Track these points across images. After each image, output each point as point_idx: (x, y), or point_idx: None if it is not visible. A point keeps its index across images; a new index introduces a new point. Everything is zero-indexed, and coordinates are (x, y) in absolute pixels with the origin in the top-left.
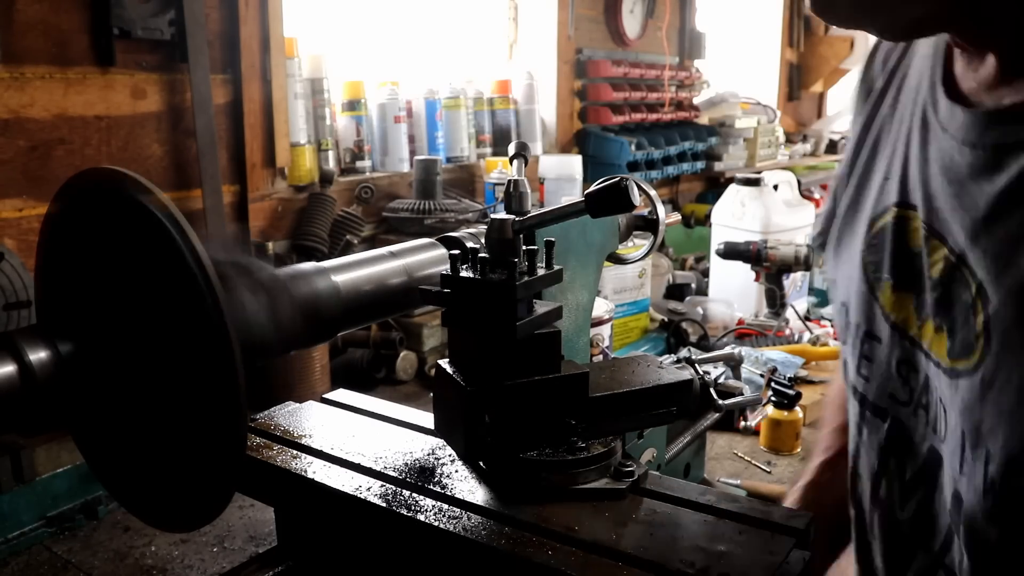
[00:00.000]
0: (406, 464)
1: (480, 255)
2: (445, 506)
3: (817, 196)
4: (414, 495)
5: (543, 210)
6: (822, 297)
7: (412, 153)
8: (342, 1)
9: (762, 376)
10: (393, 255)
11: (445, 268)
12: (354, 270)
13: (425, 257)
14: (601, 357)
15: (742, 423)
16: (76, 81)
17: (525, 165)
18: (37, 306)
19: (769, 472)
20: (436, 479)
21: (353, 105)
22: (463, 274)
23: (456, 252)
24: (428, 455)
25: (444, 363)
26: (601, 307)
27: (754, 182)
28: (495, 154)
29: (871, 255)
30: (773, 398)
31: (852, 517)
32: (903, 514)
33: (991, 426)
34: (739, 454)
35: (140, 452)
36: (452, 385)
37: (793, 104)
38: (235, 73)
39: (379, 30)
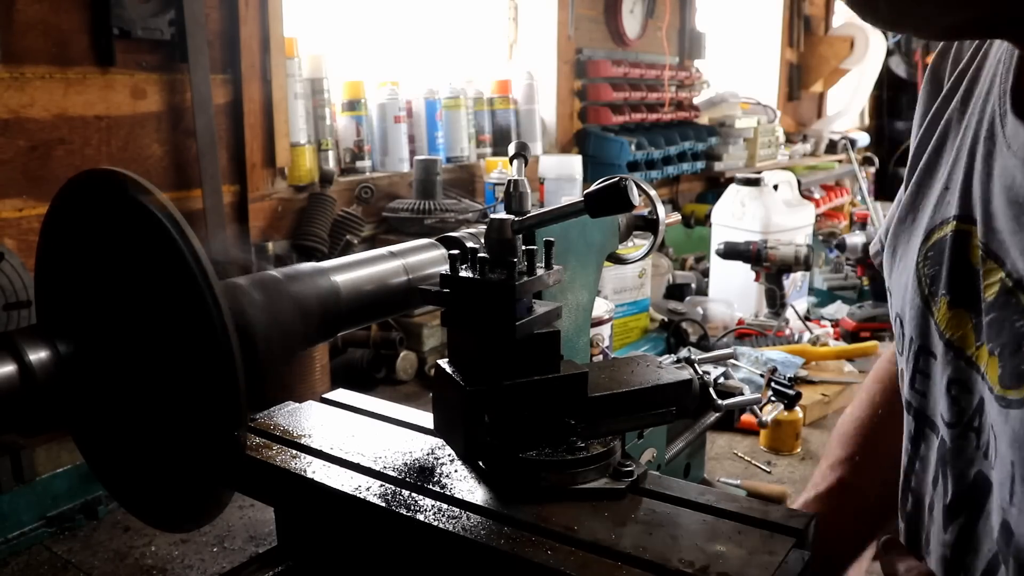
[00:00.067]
0: (405, 464)
1: (479, 255)
2: (444, 506)
3: (817, 196)
4: (413, 495)
5: (542, 210)
6: (822, 297)
7: (412, 153)
8: (342, 1)
9: (762, 376)
10: (393, 255)
11: (445, 268)
12: (354, 270)
13: (425, 257)
14: (601, 357)
15: (755, 418)
16: (76, 81)
17: (525, 165)
18: (37, 306)
19: (769, 472)
20: (435, 479)
21: (353, 105)
22: (462, 274)
23: (455, 252)
24: (427, 455)
25: (443, 363)
26: (601, 307)
27: (754, 182)
28: (495, 154)
29: (928, 268)
30: (773, 398)
31: (901, 531)
32: (946, 536)
33: None
34: (739, 454)
35: (140, 452)
36: (451, 385)
37: (793, 104)
38: (235, 73)
39: (379, 30)
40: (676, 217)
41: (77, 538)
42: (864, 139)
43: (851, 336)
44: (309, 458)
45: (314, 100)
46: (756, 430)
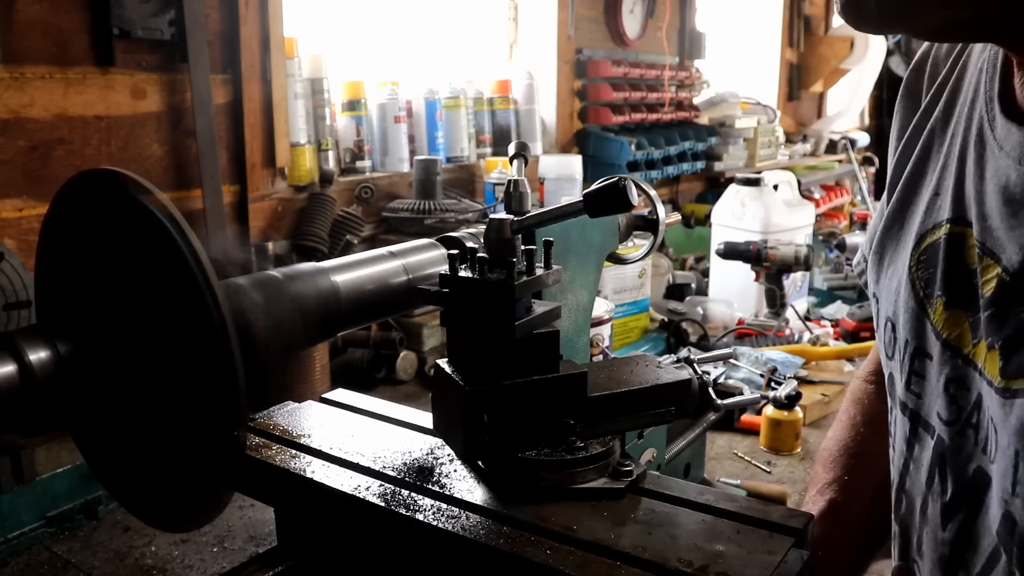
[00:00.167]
0: (405, 464)
1: (479, 255)
2: (444, 505)
3: (817, 196)
4: (413, 495)
5: (542, 210)
6: (822, 297)
7: (412, 153)
8: (342, 1)
9: (762, 376)
10: (393, 255)
11: (444, 268)
12: (354, 270)
13: (425, 257)
14: (601, 357)
15: (771, 393)
16: (76, 81)
17: (525, 165)
18: (37, 306)
19: (769, 472)
20: (435, 479)
21: (353, 105)
22: (462, 274)
23: (455, 252)
24: (427, 455)
25: (443, 363)
26: (601, 307)
27: (754, 182)
28: (495, 154)
29: (921, 271)
30: (773, 386)
31: (896, 534)
32: (945, 535)
33: None
34: (739, 454)
35: (140, 452)
36: (451, 385)
37: (793, 104)
38: (235, 73)
39: (379, 30)
40: (676, 217)
41: (77, 538)
42: (864, 139)
43: (851, 336)
44: (309, 458)
45: (314, 100)
46: (756, 430)
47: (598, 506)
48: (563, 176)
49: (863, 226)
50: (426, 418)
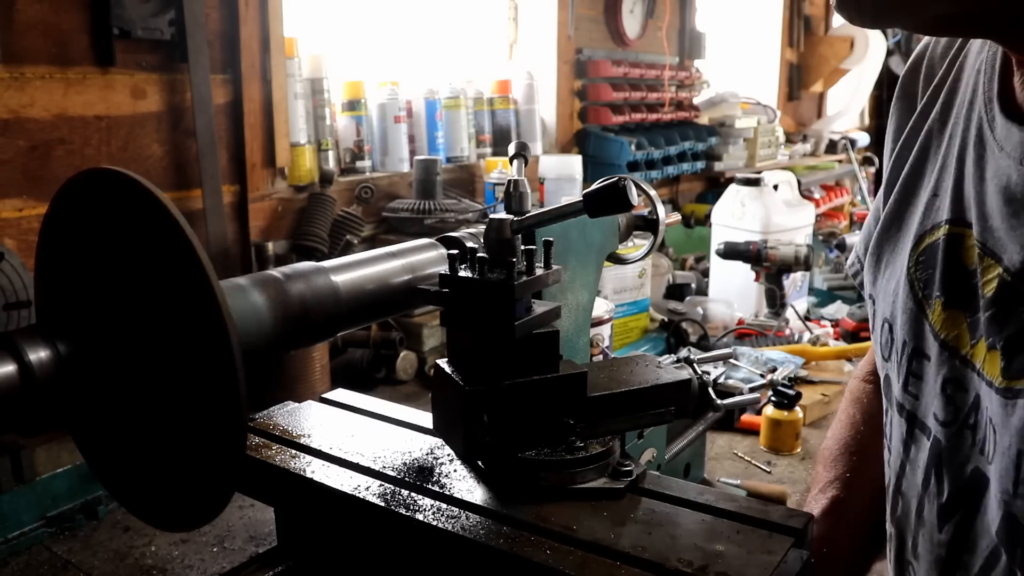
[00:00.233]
0: (405, 464)
1: (479, 255)
2: (444, 505)
3: (817, 196)
4: (413, 495)
5: (542, 210)
6: (822, 297)
7: (412, 153)
8: (342, 1)
9: (762, 376)
10: (393, 255)
11: (444, 268)
12: (354, 270)
13: (425, 257)
14: (601, 357)
15: (771, 376)
16: (76, 81)
17: (525, 165)
18: (37, 306)
19: (769, 472)
20: (435, 479)
21: (353, 105)
22: (462, 274)
23: (455, 252)
24: (427, 455)
25: (443, 363)
26: (601, 307)
27: (754, 182)
28: (495, 154)
29: (920, 272)
30: (773, 398)
31: (891, 536)
32: (941, 536)
33: None
34: (739, 454)
35: (140, 452)
36: (451, 385)
37: (793, 104)
38: (235, 73)
39: (379, 30)
40: (676, 217)
41: (77, 538)
42: (864, 139)
43: (851, 336)
44: (308, 458)
45: (314, 100)
46: (756, 430)
47: (598, 506)
48: (563, 176)
49: (863, 226)
50: (426, 418)
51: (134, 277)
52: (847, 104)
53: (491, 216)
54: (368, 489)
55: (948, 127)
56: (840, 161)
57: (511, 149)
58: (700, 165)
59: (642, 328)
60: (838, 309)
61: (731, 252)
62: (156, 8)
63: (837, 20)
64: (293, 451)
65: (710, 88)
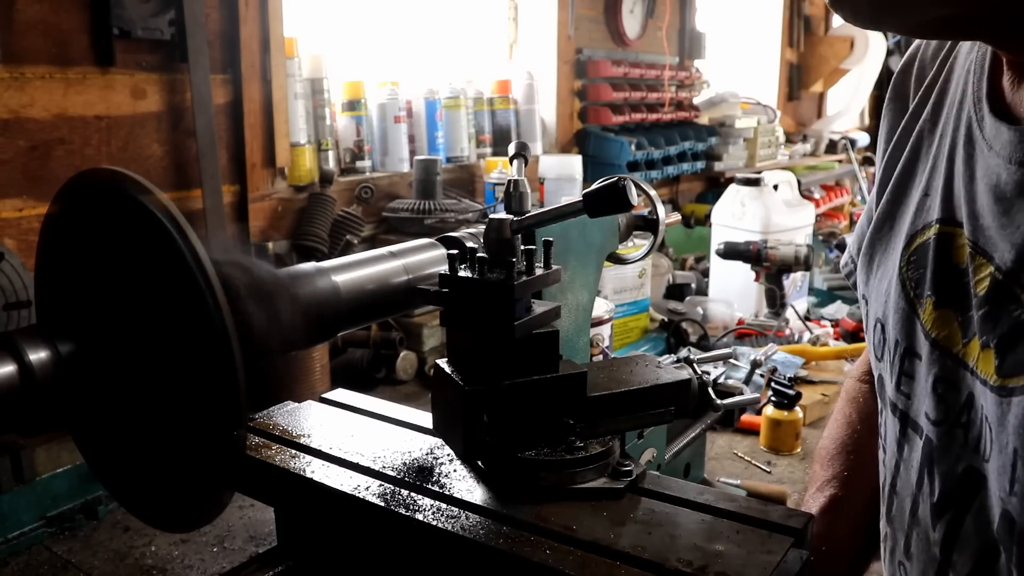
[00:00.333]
0: (405, 464)
1: (478, 255)
2: (443, 505)
3: (817, 196)
4: (412, 494)
5: (541, 210)
6: (822, 297)
7: (412, 153)
8: (342, 1)
9: (762, 376)
10: (393, 255)
11: (444, 268)
12: (354, 270)
13: (425, 257)
14: (601, 357)
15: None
16: (76, 81)
17: (525, 165)
18: (37, 306)
19: (769, 472)
20: (434, 479)
21: (353, 105)
22: (462, 274)
23: (455, 252)
24: (427, 455)
25: (442, 363)
26: (601, 307)
27: (754, 182)
28: (495, 154)
29: (911, 272)
30: (773, 398)
31: (886, 536)
32: (935, 535)
33: None
34: (739, 454)
35: (140, 452)
36: (450, 385)
37: (793, 104)
38: (235, 73)
39: (379, 30)
40: (676, 217)
41: (77, 538)
42: (864, 139)
43: (851, 336)
44: (308, 458)
45: (314, 100)
46: (756, 430)
47: (598, 506)
48: (563, 176)
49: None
50: (426, 418)
51: (134, 277)
52: (847, 104)
53: (491, 216)
54: (368, 489)
55: (939, 127)
56: (840, 161)
57: (511, 149)
58: (700, 165)
59: (642, 328)
60: (838, 309)
61: (731, 252)
62: (156, 8)
63: (837, 20)
64: (293, 451)
65: (710, 88)
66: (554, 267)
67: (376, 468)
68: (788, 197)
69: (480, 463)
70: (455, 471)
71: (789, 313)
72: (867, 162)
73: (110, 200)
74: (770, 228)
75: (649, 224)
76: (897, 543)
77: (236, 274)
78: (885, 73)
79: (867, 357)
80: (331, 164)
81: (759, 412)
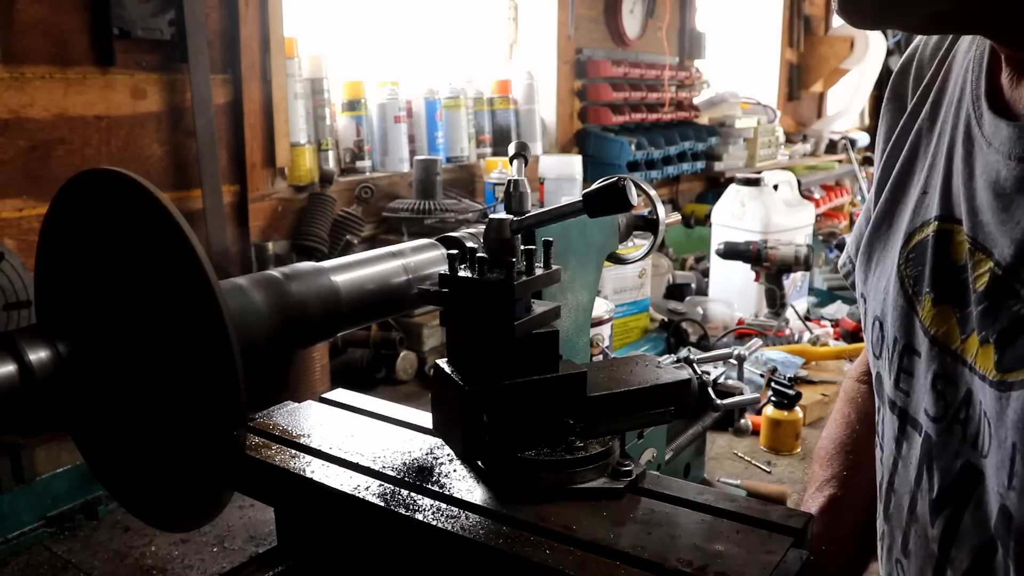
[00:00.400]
0: (404, 463)
1: (478, 255)
2: (443, 505)
3: (817, 196)
4: (412, 494)
5: (541, 210)
6: (822, 297)
7: (412, 153)
8: (342, 1)
9: (762, 376)
10: (393, 255)
11: (444, 268)
12: (354, 270)
13: (425, 257)
14: (601, 357)
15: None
16: (76, 81)
17: (525, 165)
18: (37, 306)
19: (769, 472)
20: (434, 478)
21: (353, 105)
22: (461, 274)
23: (455, 252)
24: (426, 455)
25: (442, 363)
26: (601, 307)
27: (754, 182)
28: (495, 154)
29: (910, 269)
30: (773, 398)
31: (883, 534)
32: (933, 531)
33: None
34: (739, 454)
35: (140, 452)
36: (450, 385)
37: (793, 104)
38: (235, 73)
39: (379, 30)
40: (676, 217)
41: (77, 538)
42: (864, 139)
43: (851, 336)
44: (308, 458)
45: (314, 100)
46: (756, 430)
47: (598, 506)
48: (563, 176)
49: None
50: (426, 418)
51: (134, 277)
52: (847, 104)
53: (491, 216)
54: (368, 489)
55: (937, 126)
56: (840, 161)
57: (511, 149)
58: (700, 165)
59: (642, 328)
60: (838, 309)
61: (731, 252)
62: (156, 8)
63: (837, 20)
64: (293, 451)
65: (710, 88)
66: (554, 267)
67: (376, 468)
68: (788, 197)
69: (480, 463)
70: (455, 471)
71: (789, 313)
72: (867, 162)
73: (110, 200)
74: (770, 228)
75: (649, 224)
76: (895, 541)
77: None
78: (885, 73)
79: (866, 358)
80: (331, 164)
81: (759, 412)
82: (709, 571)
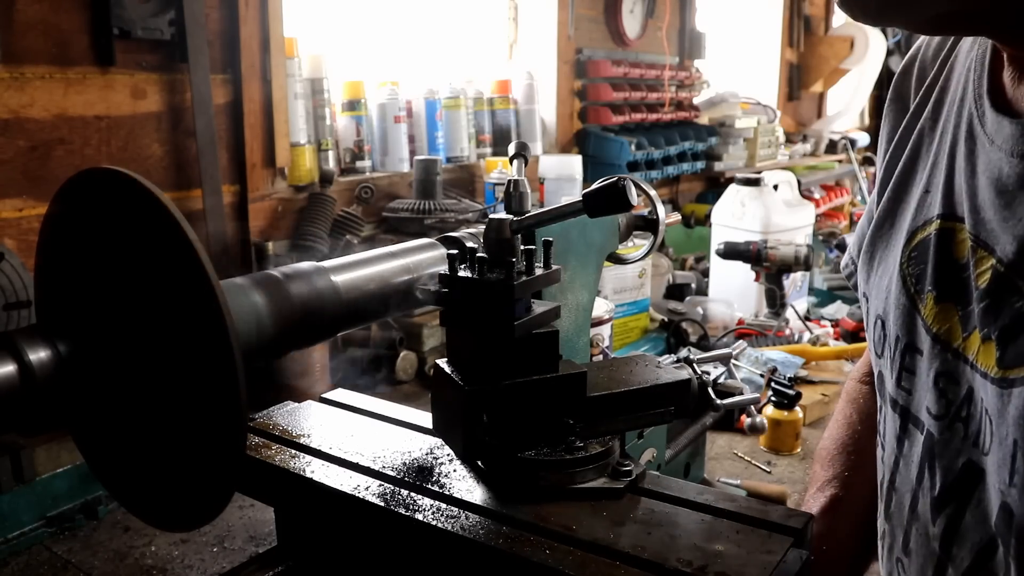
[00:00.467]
0: (404, 463)
1: (478, 255)
2: (443, 505)
3: (817, 196)
4: (412, 494)
5: (541, 210)
6: (822, 297)
7: (412, 153)
8: (342, 1)
9: (762, 376)
10: (393, 255)
11: (444, 268)
12: (354, 270)
13: (425, 257)
14: (601, 357)
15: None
16: (76, 81)
17: (525, 165)
18: (37, 306)
19: (769, 472)
20: (434, 478)
21: (353, 105)
22: (461, 274)
23: (455, 252)
24: (426, 455)
25: (443, 363)
26: (601, 307)
27: (754, 182)
28: (495, 154)
29: (912, 267)
30: (773, 398)
31: (884, 533)
32: (935, 529)
33: None
34: (739, 454)
35: (140, 452)
36: (450, 385)
37: (793, 104)
38: (235, 73)
39: (379, 30)
40: (676, 217)
41: (77, 538)
42: (864, 139)
43: (851, 336)
44: (308, 458)
45: (314, 100)
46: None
47: (597, 506)
48: (563, 176)
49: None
50: (426, 418)
51: (134, 277)
52: (847, 104)
53: (491, 216)
54: (368, 489)
55: (939, 125)
56: (840, 161)
57: (511, 149)
58: (700, 165)
59: (642, 328)
60: (838, 309)
61: (731, 252)
62: (156, 8)
63: (837, 20)
64: (293, 451)
65: (710, 88)
66: (554, 267)
67: (376, 468)
68: (788, 197)
69: (480, 463)
70: (455, 471)
71: (789, 313)
72: (867, 162)
73: (110, 200)
74: (770, 228)
75: (649, 224)
76: (895, 540)
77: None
78: (885, 73)
79: (867, 359)
80: (331, 164)
81: (759, 412)
82: (709, 571)
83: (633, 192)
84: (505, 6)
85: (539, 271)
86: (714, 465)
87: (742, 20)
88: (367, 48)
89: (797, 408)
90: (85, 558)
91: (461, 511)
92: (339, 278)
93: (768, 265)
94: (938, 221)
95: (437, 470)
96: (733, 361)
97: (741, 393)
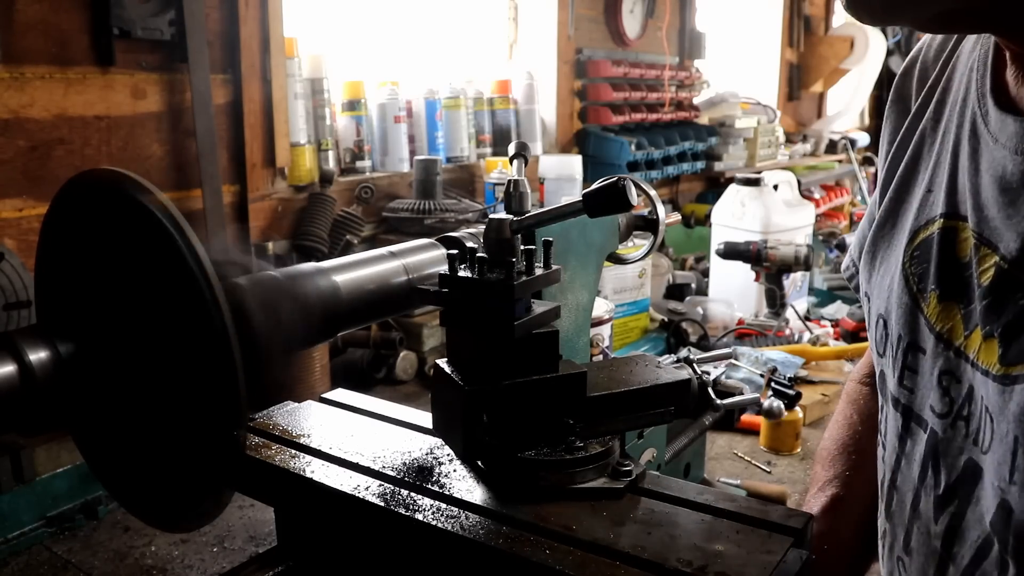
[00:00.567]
0: (404, 463)
1: (478, 255)
2: (443, 505)
3: (817, 196)
4: (412, 494)
5: (541, 210)
6: (822, 297)
7: (412, 153)
8: (342, 1)
9: (762, 376)
10: (393, 255)
11: (444, 268)
12: (354, 270)
13: (425, 257)
14: (601, 357)
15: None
16: (76, 81)
17: (525, 165)
18: (37, 306)
19: (769, 472)
20: (434, 478)
21: (353, 105)
22: (461, 274)
23: (455, 252)
24: (426, 455)
25: (443, 363)
26: (601, 307)
27: (754, 182)
28: (495, 154)
29: (914, 266)
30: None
31: (884, 532)
32: (937, 528)
33: None
34: (739, 454)
35: (140, 452)
36: (450, 385)
37: (793, 104)
38: (235, 73)
39: (379, 30)
40: (676, 217)
41: (77, 538)
42: (864, 139)
43: (851, 336)
44: (308, 458)
45: (314, 100)
46: (756, 430)
47: (597, 506)
48: (563, 176)
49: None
50: (426, 418)
51: (134, 277)
52: (847, 104)
53: (491, 216)
54: (368, 489)
55: (942, 125)
56: (840, 161)
57: (511, 149)
58: (700, 165)
59: (642, 328)
60: (838, 309)
61: (731, 252)
62: (156, 8)
63: (837, 20)
64: (293, 451)
65: (710, 88)
66: (554, 267)
67: (376, 468)
68: (788, 197)
69: (480, 463)
70: (455, 471)
71: (789, 313)
72: (867, 162)
73: (110, 200)
74: (770, 228)
75: (649, 224)
76: (896, 539)
77: (236, 275)
78: (885, 73)
79: (868, 359)
80: (331, 164)
81: (759, 412)
82: (709, 571)
83: (633, 192)
84: (505, 6)
85: (539, 271)
86: (714, 465)
87: (742, 20)
88: (367, 48)
89: (797, 408)
90: (85, 558)
91: (461, 511)
92: (339, 278)
93: (768, 265)
94: (941, 220)
95: (437, 470)
96: (733, 361)
97: (741, 393)
